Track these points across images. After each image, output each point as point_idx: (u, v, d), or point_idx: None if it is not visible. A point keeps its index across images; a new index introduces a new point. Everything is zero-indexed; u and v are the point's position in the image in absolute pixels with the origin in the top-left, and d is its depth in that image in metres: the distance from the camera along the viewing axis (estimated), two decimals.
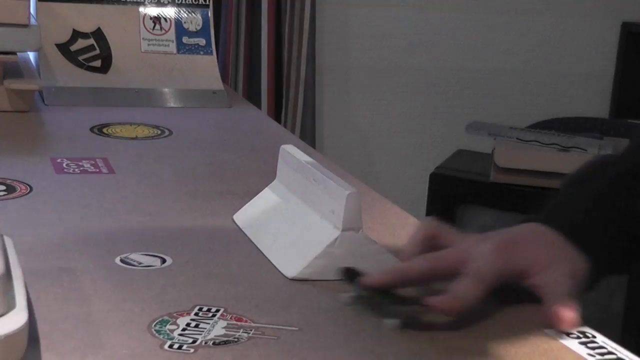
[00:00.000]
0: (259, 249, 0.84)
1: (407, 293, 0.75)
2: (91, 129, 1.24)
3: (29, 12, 1.29)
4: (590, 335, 0.71)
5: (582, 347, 0.69)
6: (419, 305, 0.72)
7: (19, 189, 0.97)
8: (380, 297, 0.73)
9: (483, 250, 0.79)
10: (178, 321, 0.69)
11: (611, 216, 0.86)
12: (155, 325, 0.68)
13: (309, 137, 2.52)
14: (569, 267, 0.81)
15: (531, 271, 0.80)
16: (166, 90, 1.39)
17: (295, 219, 0.84)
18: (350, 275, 0.75)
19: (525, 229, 0.83)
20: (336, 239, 0.78)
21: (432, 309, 0.72)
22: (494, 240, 0.80)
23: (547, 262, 0.81)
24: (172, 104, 1.39)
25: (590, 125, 2.41)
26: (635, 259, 0.90)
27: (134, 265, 0.79)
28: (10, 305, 0.60)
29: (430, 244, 0.82)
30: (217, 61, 1.50)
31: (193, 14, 1.50)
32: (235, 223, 0.91)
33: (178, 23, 1.48)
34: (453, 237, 0.83)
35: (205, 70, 1.48)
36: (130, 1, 1.47)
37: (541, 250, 0.81)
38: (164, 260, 0.81)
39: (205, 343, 0.66)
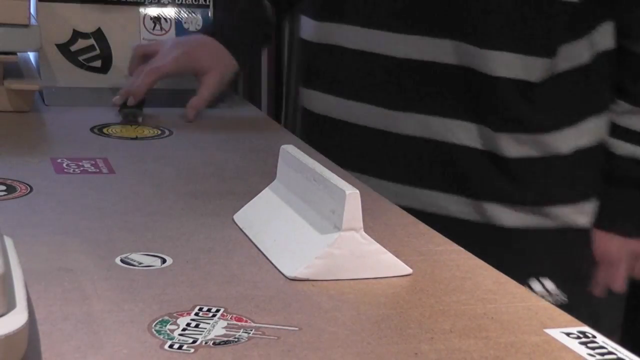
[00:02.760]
0: (259, 249, 0.84)
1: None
2: (91, 129, 1.24)
3: (29, 12, 1.29)
4: (590, 335, 0.71)
5: (582, 347, 0.69)
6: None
7: (19, 189, 0.97)
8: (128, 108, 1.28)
9: (167, 52, 1.29)
10: (178, 321, 0.69)
11: (249, 25, 1.35)
12: (155, 326, 0.68)
13: None
14: (223, 68, 1.31)
15: (200, 71, 1.30)
16: (166, 90, 1.38)
17: (296, 219, 0.84)
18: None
19: (199, 39, 1.34)
20: (336, 239, 0.78)
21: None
22: (178, 45, 1.30)
23: (210, 65, 1.30)
24: (172, 104, 1.39)
25: None
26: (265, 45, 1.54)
27: (134, 265, 0.79)
28: (10, 305, 0.60)
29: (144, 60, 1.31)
30: None
31: (193, 14, 1.50)
32: (235, 223, 0.91)
33: (178, 23, 1.48)
34: (158, 46, 1.32)
35: None
36: (130, 1, 1.47)
37: (209, 55, 1.29)
38: (164, 260, 0.81)
39: (206, 343, 0.66)
